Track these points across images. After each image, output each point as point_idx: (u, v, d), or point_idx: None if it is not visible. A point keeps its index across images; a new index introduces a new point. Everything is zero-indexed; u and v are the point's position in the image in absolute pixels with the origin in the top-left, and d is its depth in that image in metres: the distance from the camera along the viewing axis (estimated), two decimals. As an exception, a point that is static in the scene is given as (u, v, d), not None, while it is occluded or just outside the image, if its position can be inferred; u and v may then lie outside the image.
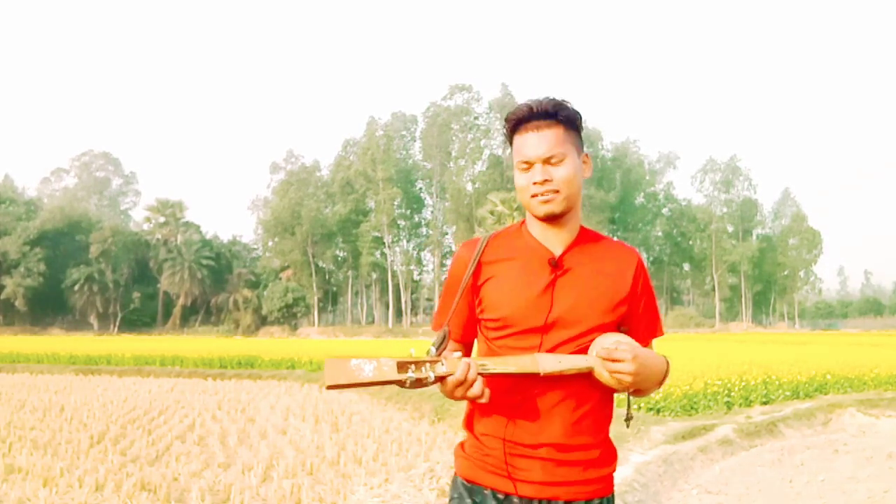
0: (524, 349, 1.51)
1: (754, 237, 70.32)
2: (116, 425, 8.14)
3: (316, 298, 61.43)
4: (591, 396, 1.53)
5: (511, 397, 1.53)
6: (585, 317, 1.53)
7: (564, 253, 1.57)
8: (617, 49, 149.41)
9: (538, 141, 1.53)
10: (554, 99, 1.55)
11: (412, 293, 66.13)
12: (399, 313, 64.08)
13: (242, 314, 57.62)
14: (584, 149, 1.61)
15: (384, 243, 62.34)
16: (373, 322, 64.86)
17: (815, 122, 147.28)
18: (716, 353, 15.58)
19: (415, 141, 66.97)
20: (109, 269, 58.82)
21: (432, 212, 66.04)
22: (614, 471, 1.60)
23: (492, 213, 47.31)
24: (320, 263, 63.41)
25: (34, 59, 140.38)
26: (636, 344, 1.51)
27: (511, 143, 1.59)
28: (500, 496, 1.53)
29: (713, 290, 68.68)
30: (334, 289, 67.06)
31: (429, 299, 66.62)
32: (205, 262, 60.08)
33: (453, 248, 60.40)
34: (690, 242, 69.78)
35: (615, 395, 1.60)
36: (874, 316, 72.89)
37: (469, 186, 61.49)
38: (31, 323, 57.26)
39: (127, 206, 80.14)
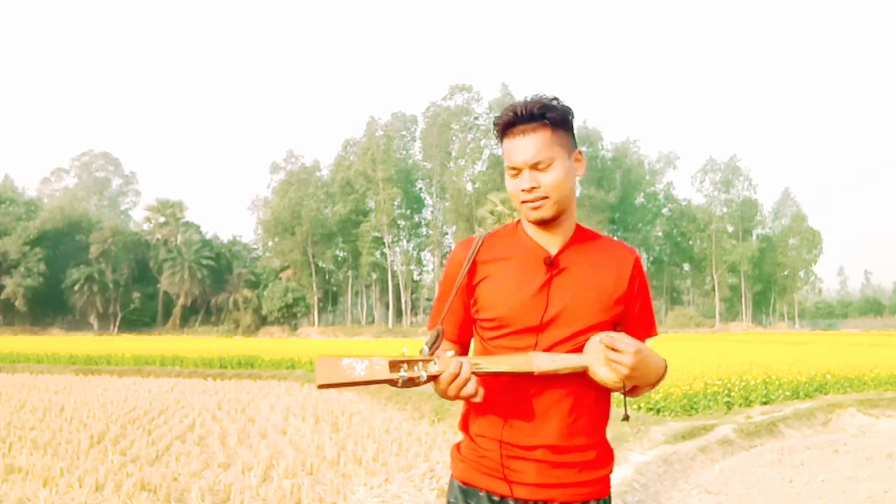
0: (520, 349, 1.50)
1: (754, 237, 70.30)
2: (116, 425, 8.14)
3: (316, 298, 61.45)
4: (586, 397, 1.52)
5: (506, 398, 1.52)
6: (581, 316, 1.52)
7: (560, 252, 1.56)
8: (617, 49, 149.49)
9: (525, 146, 1.50)
10: (541, 100, 1.51)
11: (412, 293, 66.13)
12: (399, 313, 64.08)
13: (242, 314, 57.63)
14: (578, 146, 1.57)
15: (384, 243, 62.36)
16: (373, 322, 64.88)
17: (814, 122, 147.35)
18: (716, 353, 15.59)
19: (415, 141, 67.03)
20: (109, 269, 58.82)
21: (432, 212, 66.12)
22: (611, 472, 1.58)
23: (492, 213, 47.33)
24: (320, 263, 63.43)
25: (34, 59, 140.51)
26: (637, 340, 1.50)
27: (502, 147, 1.57)
28: (496, 498, 1.52)
29: (713, 290, 68.69)
30: (334, 289, 67.07)
31: (429, 299, 66.53)
32: (205, 262, 60.08)
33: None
34: (690, 242, 69.81)
35: (612, 396, 1.59)
36: (874, 316, 72.85)
37: (469, 186, 61.48)
38: (31, 323, 57.23)
39: (127, 206, 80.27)
